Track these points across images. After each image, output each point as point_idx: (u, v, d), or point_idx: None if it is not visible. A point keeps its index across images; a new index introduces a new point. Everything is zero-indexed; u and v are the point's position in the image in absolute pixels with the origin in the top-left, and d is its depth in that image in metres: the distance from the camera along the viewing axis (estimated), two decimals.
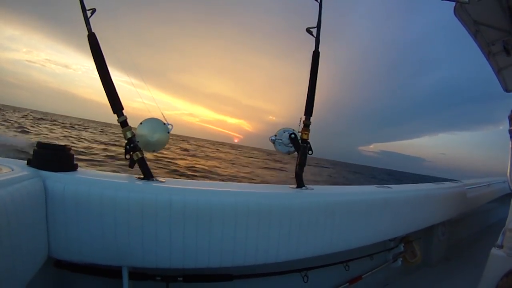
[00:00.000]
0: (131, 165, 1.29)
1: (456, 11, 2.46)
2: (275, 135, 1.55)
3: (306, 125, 1.52)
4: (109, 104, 1.26)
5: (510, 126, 2.69)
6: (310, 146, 1.53)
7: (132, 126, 1.29)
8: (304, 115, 1.52)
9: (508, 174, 2.71)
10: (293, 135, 1.53)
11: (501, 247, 1.57)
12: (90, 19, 1.24)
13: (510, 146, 2.48)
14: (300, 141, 1.53)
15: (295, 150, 1.54)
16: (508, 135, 2.71)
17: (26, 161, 1.14)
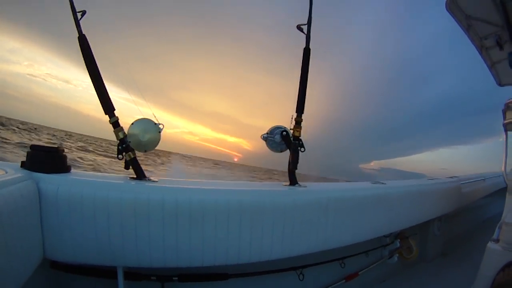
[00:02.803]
0: (126, 167, 1.30)
1: (448, 6, 2.46)
2: (267, 133, 1.55)
3: (298, 122, 1.52)
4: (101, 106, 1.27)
5: (504, 120, 2.70)
6: (302, 143, 1.53)
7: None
8: (296, 112, 1.52)
9: (503, 168, 2.72)
10: (284, 133, 1.53)
11: (497, 241, 1.57)
12: (81, 21, 1.25)
13: (505, 140, 2.49)
14: (292, 139, 1.53)
15: (287, 148, 1.54)
16: (503, 129, 2.72)
17: (20, 164, 1.15)
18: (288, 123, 1.56)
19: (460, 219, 3.65)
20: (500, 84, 3.20)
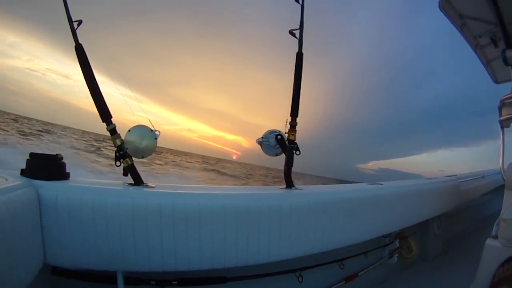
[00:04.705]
0: (124, 174, 1.32)
1: (441, 5, 2.48)
2: (262, 137, 1.57)
3: (292, 126, 1.54)
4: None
5: (500, 117, 2.70)
6: (297, 146, 1.54)
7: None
8: (290, 116, 1.54)
9: (501, 165, 2.72)
10: (279, 136, 1.54)
11: (496, 237, 1.58)
12: (77, 31, 1.27)
13: (501, 136, 2.48)
14: (287, 142, 1.55)
15: (282, 151, 1.56)
16: (499, 125, 2.72)
17: (19, 171, 1.16)
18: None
19: (460, 217, 3.63)
20: (497, 81, 3.20)
